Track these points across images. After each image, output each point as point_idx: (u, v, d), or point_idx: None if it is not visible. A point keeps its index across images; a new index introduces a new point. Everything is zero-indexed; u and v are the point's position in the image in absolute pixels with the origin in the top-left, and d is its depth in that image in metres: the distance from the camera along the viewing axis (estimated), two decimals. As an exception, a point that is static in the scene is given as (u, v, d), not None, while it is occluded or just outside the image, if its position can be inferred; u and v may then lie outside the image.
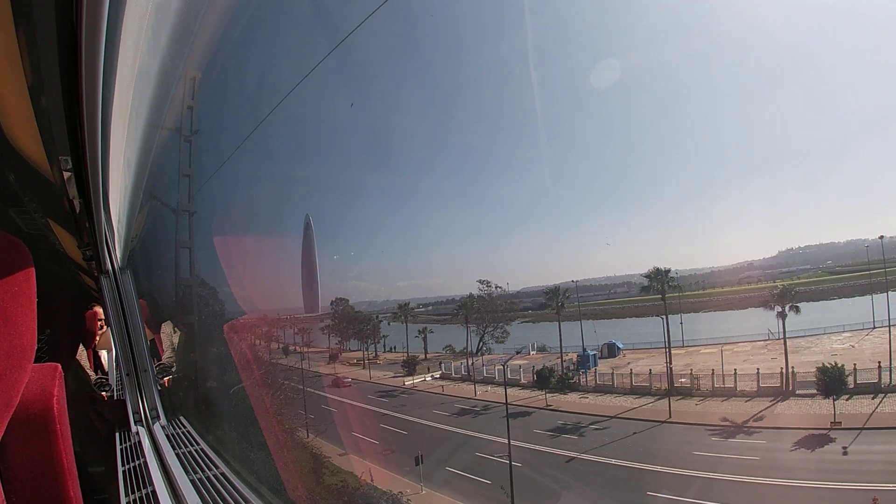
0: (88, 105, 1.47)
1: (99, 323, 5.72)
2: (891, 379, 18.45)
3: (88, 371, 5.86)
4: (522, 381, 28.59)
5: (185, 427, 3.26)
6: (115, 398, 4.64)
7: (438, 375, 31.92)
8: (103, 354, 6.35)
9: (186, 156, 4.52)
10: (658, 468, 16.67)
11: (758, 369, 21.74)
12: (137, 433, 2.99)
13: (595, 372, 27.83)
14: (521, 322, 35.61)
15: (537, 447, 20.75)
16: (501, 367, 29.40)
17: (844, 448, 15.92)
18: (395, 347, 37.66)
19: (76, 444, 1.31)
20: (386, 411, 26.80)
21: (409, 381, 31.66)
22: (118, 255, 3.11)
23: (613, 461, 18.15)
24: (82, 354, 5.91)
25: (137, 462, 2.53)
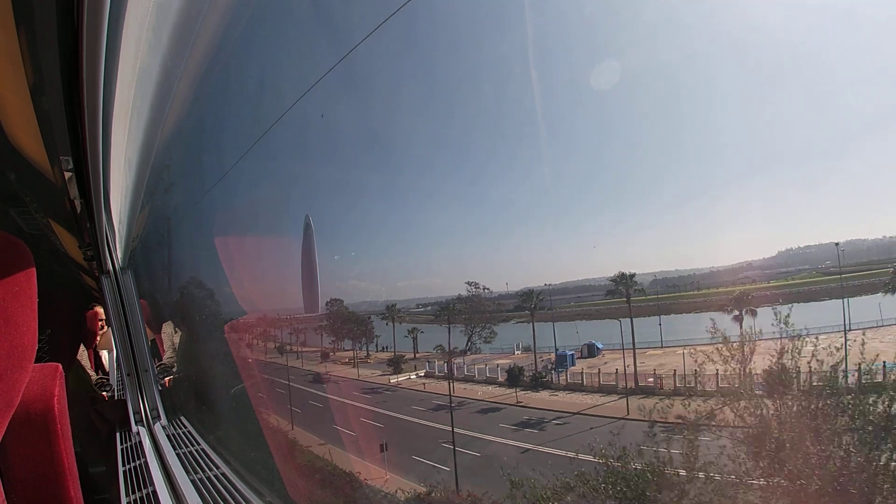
0: (89, 105, 1.47)
1: (100, 323, 5.73)
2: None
3: (89, 371, 5.88)
4: (500, 379, 29.56)
5: (185, 427, 3.26)
6: (116, 398, 4.65)
7: (423, 374, 32.95)
8: (104, 354, 6.36)
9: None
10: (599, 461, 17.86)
11: (717, 370, 22.45)
12: (138, 433, 2.99)
13: (567, 371, 28.85)
14: (517, 322, 36.32)
15: (499, 440, 22.17)
16: (483, 365, 30.43)
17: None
18: (387, 347, 38.36)
19: (77, 444, 1.30)
20: (368, 406, 28.18)
21: (394, 380, 32.79)
22: (119, 255, 3.12)
23: (562, 452, 19.19)
24: (83, 354, 5.93)
25: (138, 462, 2.53)
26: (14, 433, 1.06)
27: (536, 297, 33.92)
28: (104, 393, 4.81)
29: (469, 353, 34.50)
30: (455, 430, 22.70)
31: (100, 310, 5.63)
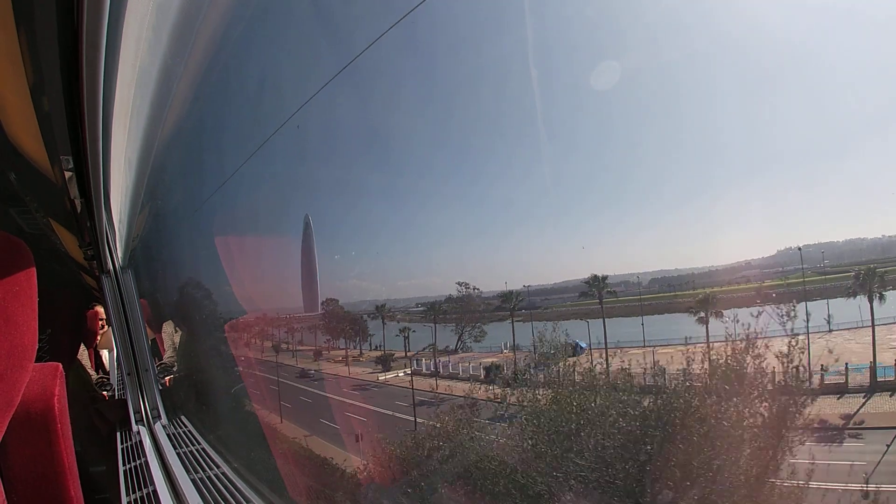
0: (89, 105, 1.47)
1: (100, 322, 5.73)
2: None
3: (90, 370, 5.89)
4: (482, 376, 30.33)
5: (186, 426, 3.26)
6: (117, 398, 4.66)
7: (410, 371, 33.92)
8: (104, 354, 6.37)
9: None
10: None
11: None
12: (138, 433, 2.99)
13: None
14: (514, 322, 37.50)
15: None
16: (468, 364, 31.40)
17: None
18: (380, 346, 39.17)
19: (77, 443, 1.30)
20: (354, 402, 29.25)
21: (382, 377, 33.82)
22: (119, 254, 3.11)
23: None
24: (83, 354, 5.93)
25: (138, 461, 2.53)
26: (14, 433, 1.06)
27: (516, 298, 35.97)
28: (104, 392, 4.81)
29: (460, 351, 35.79)
30: (424, 420, 24.07)
31: (100, 309, 5.63)
